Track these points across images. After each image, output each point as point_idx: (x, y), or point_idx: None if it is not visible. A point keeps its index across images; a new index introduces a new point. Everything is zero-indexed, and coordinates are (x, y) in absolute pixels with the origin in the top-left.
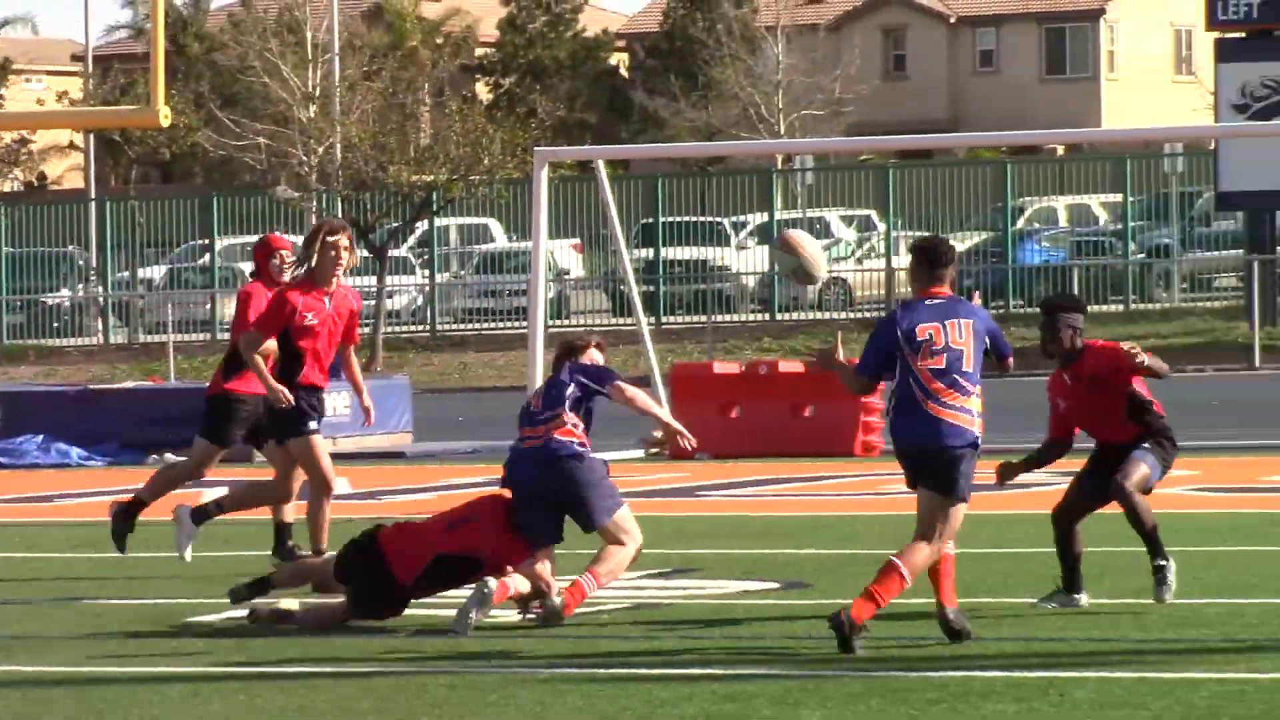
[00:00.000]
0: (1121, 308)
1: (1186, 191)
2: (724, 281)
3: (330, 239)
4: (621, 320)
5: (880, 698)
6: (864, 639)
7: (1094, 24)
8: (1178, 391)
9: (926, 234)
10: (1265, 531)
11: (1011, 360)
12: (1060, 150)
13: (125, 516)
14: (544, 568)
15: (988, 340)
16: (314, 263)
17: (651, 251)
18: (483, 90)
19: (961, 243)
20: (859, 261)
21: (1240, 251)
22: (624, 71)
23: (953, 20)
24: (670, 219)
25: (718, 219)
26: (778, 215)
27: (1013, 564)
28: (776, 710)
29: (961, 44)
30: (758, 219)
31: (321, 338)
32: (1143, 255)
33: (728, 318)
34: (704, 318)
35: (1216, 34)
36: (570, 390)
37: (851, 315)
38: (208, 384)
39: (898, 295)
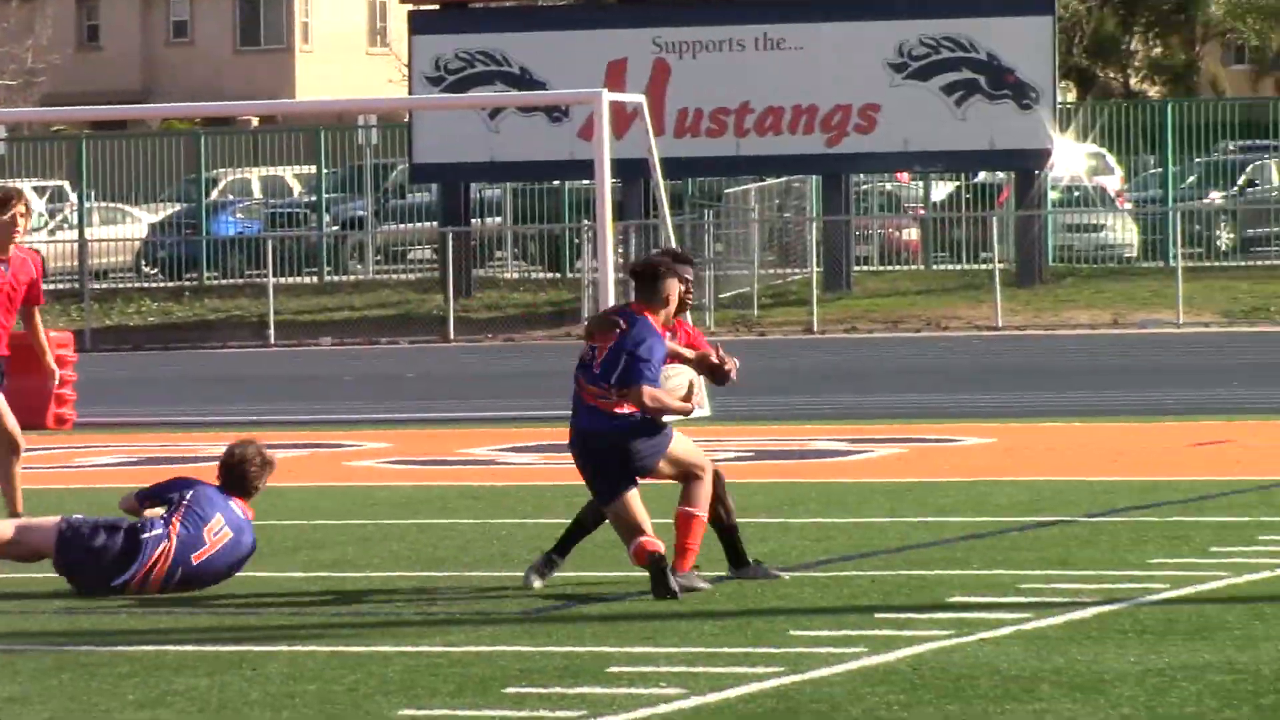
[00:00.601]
0: (315, 279)
1: (381, 164)
2: None
3: (4, 207)
4: None
5: (72, 672)
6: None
7: None
8: (372, 363)
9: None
10: (457, 504)
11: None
12: (255, 122)
13: None
14: None
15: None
16: None
17: None
18: None
19: (155, 214)
20: (51, 233)
21: (434, 224)
22: None
23: None
24: None
25: None
26: None
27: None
28: None
29: (155, 14)
30: None
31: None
32: (337, 227)
33: None
34: None
35: (410, 6)
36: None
37: (45, 286)
38: None
39: (91, 266)
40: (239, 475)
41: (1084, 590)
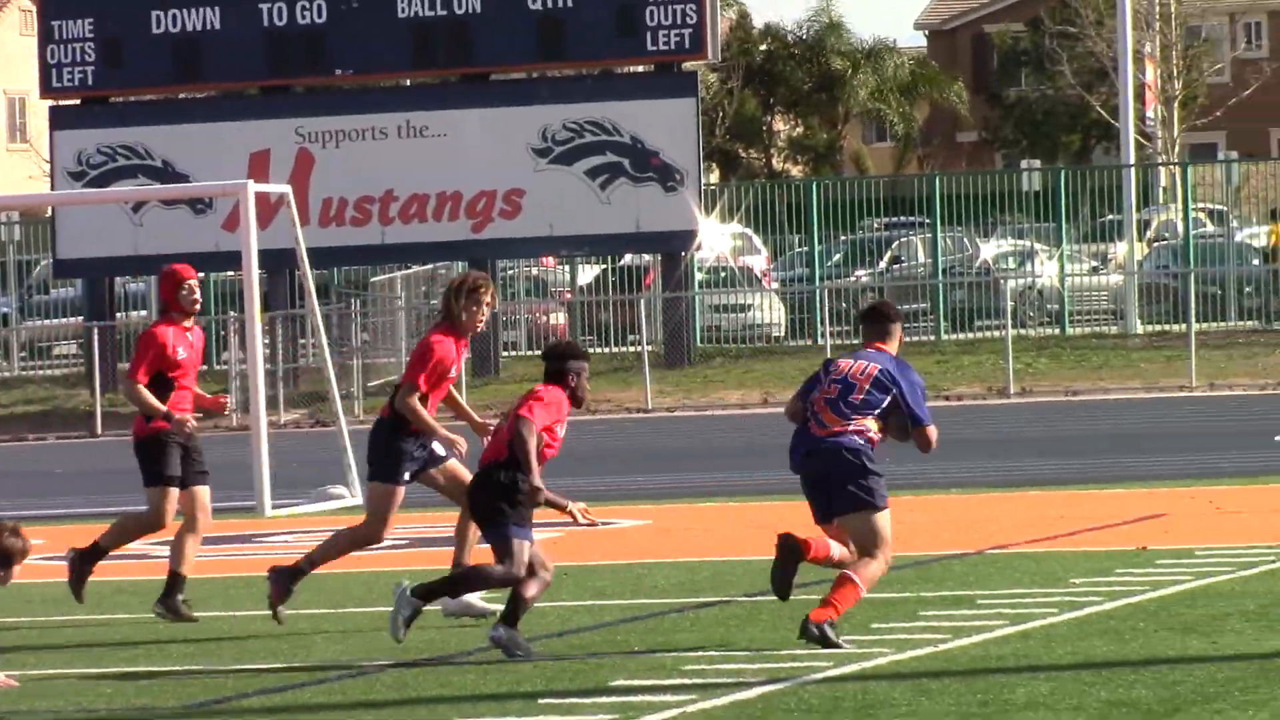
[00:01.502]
0: None
1: (24, 260)
2: None
3: (478, 294)
4: None
5: None
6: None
7: None
8: (19, 461)
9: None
10: (113, 600)
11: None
12: None
13: (83, 561)
14: None
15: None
16: (461, 314)
17: None
18: None
19: None
20: None
21: (80, 319)
22: None
23: None
24: None
25: None
26: None
27: None
28: None
29: None
30: None
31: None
32: None
33: None
34: None
35: (51, 101)
36: None
37: None
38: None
39: None
40: None
41: (747, 670)
